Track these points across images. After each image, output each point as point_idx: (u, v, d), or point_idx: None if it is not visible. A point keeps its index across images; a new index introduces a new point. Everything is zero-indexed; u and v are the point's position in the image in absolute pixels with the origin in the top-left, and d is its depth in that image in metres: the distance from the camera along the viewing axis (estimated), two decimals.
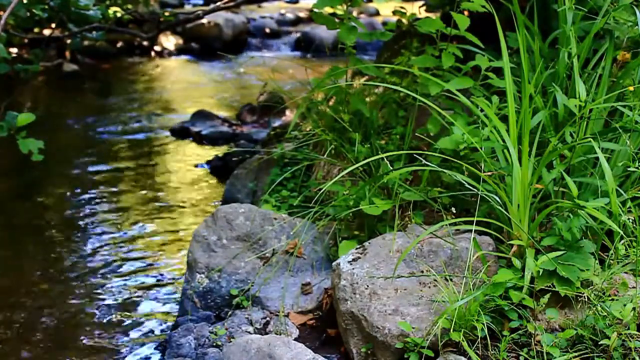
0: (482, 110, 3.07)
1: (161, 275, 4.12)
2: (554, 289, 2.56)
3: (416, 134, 3.47)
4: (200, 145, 6.47)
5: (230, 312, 3.20)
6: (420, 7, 4.89)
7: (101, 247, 4.46)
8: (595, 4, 3.37)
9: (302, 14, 12.49)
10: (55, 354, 3.34)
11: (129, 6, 8.91)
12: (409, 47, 4.12)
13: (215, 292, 3.29)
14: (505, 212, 2.77)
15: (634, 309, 2.41)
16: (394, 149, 3.62)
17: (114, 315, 3.67)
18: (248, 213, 3.42)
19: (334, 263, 3.00)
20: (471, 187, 2.83)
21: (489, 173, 2.87)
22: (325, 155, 3.72)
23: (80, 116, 7.39)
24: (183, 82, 9.07)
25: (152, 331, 3.51)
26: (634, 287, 2.56)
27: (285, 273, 3.30)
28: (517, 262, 2.64)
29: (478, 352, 2.50)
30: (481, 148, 2.97)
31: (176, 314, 3.44)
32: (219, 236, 3.38)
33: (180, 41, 10.76)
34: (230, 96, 8.31)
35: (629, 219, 2.66)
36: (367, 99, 4.01)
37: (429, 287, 2.76)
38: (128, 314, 3.69)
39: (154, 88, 8.75)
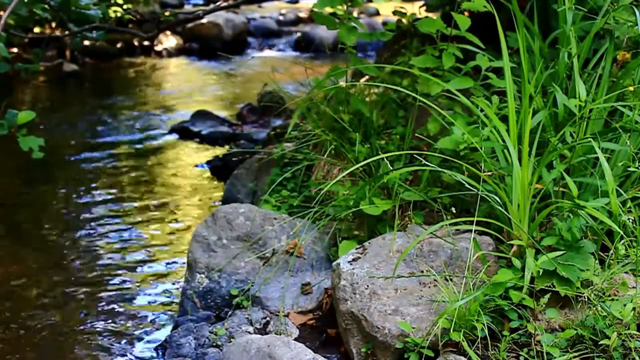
0: (482, 110, 3.07)
1: (161, 275, 4.11)
2: (554, 289, 2.56)
3: (416, 134, 3.47)
4: (200, 145, 6.47)
5: (230, 312, 3.20)
6: (420, 7, 4.88)
7: (100, 246, 4.45)
8: (595, 4, 3.37)
9: (302, 14, 12.49)
10: (55, 354, 3.34)
11: (129, 6, 8.91)
12: (409, 47, 4.12)
13: (215, 292, 3.29)
14: (505, 212, 2.77)
15: (634, 309, 2.41)
16: (394, 149, 3.62)
17: (113, 315, 3.67)
18: (248, 213, 3.42)
19: (334, 263, 3.00)
20: (471, 187, 2.83)
21: (489, 173, 2.87)
22: (325, 156, 3.72)
23: (80, 116, 7.39)
24: (183, 82, 9.07)
25: (152, 331, 3.51)
26: (634, 287, 2.56)
27: (285, 273, 3.30)
28: (517, 262, 2.64)
29: (478, 352, 2.50)
30: (481, 148, 2.97)
31: (176, 314, 3.44)
32: (219, 236, 3.38)
33: (180, 41, 10.75)
34: (230, 96, 8.31)
35: (629, 219, 2.66)
36: (367, 99, 4.01)
37: (429, 287, 2.76)
38: (128, 313, 3.69)
39: (154, 88, 8.75)
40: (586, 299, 2.56)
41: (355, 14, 9.77)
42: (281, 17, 12.28)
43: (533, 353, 2.49)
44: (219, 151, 6.17)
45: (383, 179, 3.21)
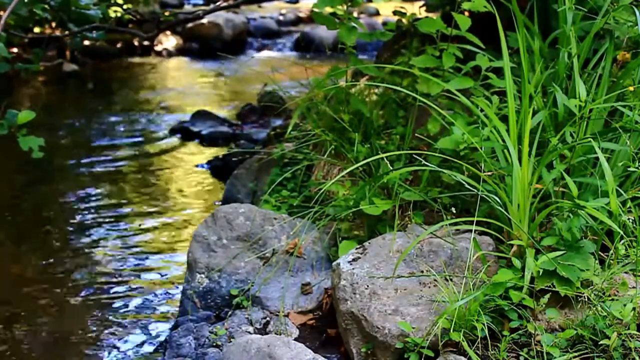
0: (482, 110, 3.07)
1: (161, 275, 4.12)
2: (554, 289, 2.56)
3: (416, 134, 3.47)
4: (200, 145, 6.47)
5: (230, 312, 3.20)
6: (420, 7, 4.89)
7: (100, 247, 4.46)
8: (595, 4, 3.37)
9: (302, 14, 12.49)
10: (55, 354, 3.34)
11: (129, 6, 8.91)
12: (409, 47, 4.12)
13: (215, 292, 3.29)
14: (505, 212, 2.77)
15: (634, 309, 2.41)
16: (394, 149, 3.62)
17: (114, 315, 3.67)
18: (248, 213, 3.42)
19: (334, 263, 3.00)
20: (471, 187, 2.83)
21: (489, 173, 2.87)
22: (325, 155, 3.72)
23: (80, 116, 7.39)
24: (183, 82, 9.07)
25: (152, 331, 3.51)
26: (634, 287, 2.56)
27: (285, 273, 3.30)
28: (517, 262, 2.64)
29: (478, 352, 2.50)
30: (481, 148, 2.97)
31: (176, 314, 3.44)
32: (219, 236, 3.38)
33: (180, 41, 10.76)
34: (231, 96, 8.31)
35: (629, 219, 2.66)
36: (367, 99, 4.01)
37: (429, 287, 2.76)
38: (128, 313, 3.69)
39: (154, 88, 8.75)
40: (586, 299, 2.56)
41: (355, 14, 9.77)
42: (281, 17, 12.29)
43: (533, 353, 2.49)
44: (219, 151, 6.17)
45: (383, 179, 3.21)
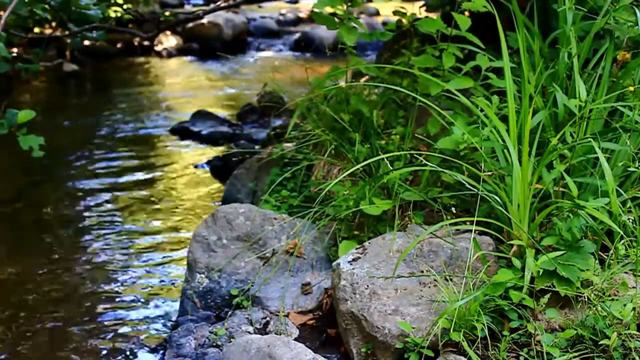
0: (482, 110, 3.07)
1: (161, 275, 4.11)
2: (554, 289, 2.56)
3: (416, 134, 3.47)
4: (200, 145, 6.47)
5: (230, 312, 3.20)
6: (420, 7, 4.89)
7: (101, 247, 4.45)
8: (595, 4, 3.38)
9: (302, 14, 12.50)
10: (55, 354, 3.34)
11: (129, 6, 8.91)
12: (409, 47, 4.12)
13: (215, 292, 3.29)
14: (505, 212, 2.77)
15: (634, 309, 2.41)
16: (394, 149, 3.62)
17: (114, 315, 3.67)
18: (248, 213, 3.42)
19: (334, 263, 3.00)
20: (471, 187, 2.83)
21: (489, 173, 2.87)
22: (325, 156, 3.72)
23: (80, 116, 7.39)
24: (183, 82, 9.07)
25: (152, 331, 3.51)
26: (634, 287, 2.56)
27: (285, 273, 3.30)
28: (517, 262, 2.64)
29: (478, 352, 2.50)
30: (481, 148, 2.97)
31: (176, 314, 3.44)
32: (219, 236, 3.38)
33: (180, 41, 10.76)
34: (230, 96, 8.31)
35: (629, 219, 2.66)
36: (367, 99, 4.01)
37: (429, 287, 2.76)
38: (128, 313, 3.69)
39: (154, 88, 8.75)
40: (586, 299, 2.56)
41: (355, 14, 9.77)
42: (281, 17, 12.29)
43: (533, 353, 2.49)
44: (219, 151, 6.17)
45: (383, 179, 3.21)
